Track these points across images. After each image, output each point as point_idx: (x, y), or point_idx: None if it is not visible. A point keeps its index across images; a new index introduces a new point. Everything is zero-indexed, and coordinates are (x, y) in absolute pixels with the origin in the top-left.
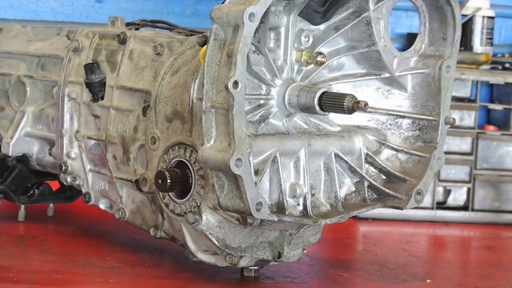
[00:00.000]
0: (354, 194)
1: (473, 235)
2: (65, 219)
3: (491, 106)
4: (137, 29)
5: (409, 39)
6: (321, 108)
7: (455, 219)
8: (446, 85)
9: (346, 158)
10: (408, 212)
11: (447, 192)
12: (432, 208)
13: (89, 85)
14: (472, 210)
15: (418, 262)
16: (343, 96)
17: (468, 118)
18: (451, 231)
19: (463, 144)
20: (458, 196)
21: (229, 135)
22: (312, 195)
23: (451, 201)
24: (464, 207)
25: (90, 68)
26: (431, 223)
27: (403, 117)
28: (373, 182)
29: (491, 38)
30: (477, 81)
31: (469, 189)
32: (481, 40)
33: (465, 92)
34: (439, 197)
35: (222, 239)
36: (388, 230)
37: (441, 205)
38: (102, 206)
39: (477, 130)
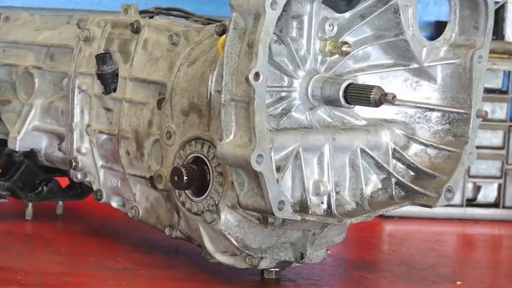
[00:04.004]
0: (380, 192)
1: (504, 233)
2: (75, 218)
3: None
4: (151, 17)
5: (437, 27)
6: (346, 101)
7: (485, 217)
8: (478, 76)
9: (372, 154)
10: (436, 210)
11: (477, 189)
12: (461, 205)
13: (101, 76)
14: (503, 207)
15: (447, 262)
16: (369, 88)
17: (500, 110)
18: (481, 230)
19: (494, 138)
20: (489, 192)
21: (249, 129)
22: (337, 192)
23: (481, 198)
24: (495, 204)
25: (102, 58)
26: (460, 221)
27: (433, 110)
28: (400, 178)
29: None
30: (509, 72)
31: (500, 185)
32: None
33: (496, 83)
34: (469, 194)
35: (241, 239)
36: (415, 229)
37: (471, 202)
38: (114, 204)
39: (509, 123)
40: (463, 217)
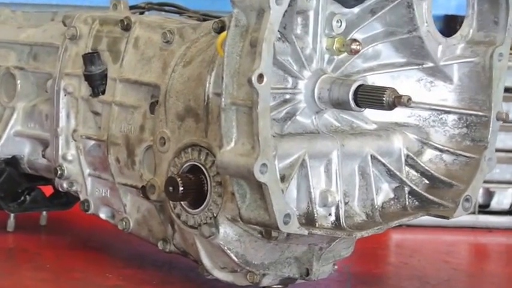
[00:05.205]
0: (392, 202)
1: None
2: (60, 230)
3: None
4: (142, 13)
5: (447, 22)
6: (357, 104)
7: (499, 225)
8: (498, 75)
9: (383, 161)
10: None
11: (490, 195)
12: (474, 212)
13: (88, 78)
14: None
15: (462, 277)
16: (382, 90)
17: None
18: (495, 239)
19: (509, 140)
20: (503, 199)
21: (252, 136)
22: (346, 203)
23: (494, 204)
24: (510, 212)
25: (90, 58)
26: (472, 229)
27: (449, 112)
28: (414, 187)
29: None
30: None
31: None
32: None
33: (511, 81)
34: (481, 200)
35: (242, 254)
36: (425, 238)
37: (483, 209)
38: (102, 216)
39: None
40: (475, 225)
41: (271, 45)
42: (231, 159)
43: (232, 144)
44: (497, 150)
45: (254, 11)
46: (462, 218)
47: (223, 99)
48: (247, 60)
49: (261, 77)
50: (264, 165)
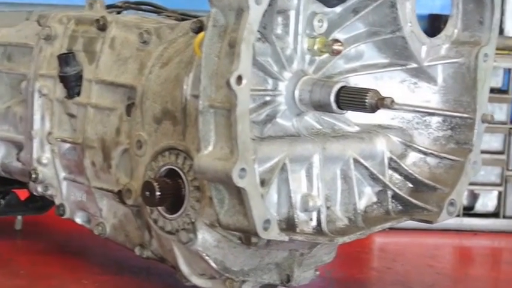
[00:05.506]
0: (375, 206)
1: (504, 246)
2: (36, 234)
3: None
4: (119, 12)
5: (431, 21)
6: (339, 106)
7: (484, 228)
8: (483, 76)
9: (366, 164)
10: None
11: (475, 197)
12: (458, 215)
13: (63, 79)
14: (504, 217)
15: (446, 281)
16: (364, 91)
17: (499, 111)
18: (480, 242)
19: (494, 141)
20: (488, 201)
21: (231, 140)
22: (327, 208)
23: (479, 207)
24: (495, 214)
25: (65, 59)
26: (457, 232)
27: (433, 114)
28: (397, 191)
29: None
30: (509, 69)
31: (500, 193)
32: None
33: (496, 81)
34: (466, 202)
35: (221, 261)
36: (408, 241)
37: (468, 211)
38: (78, 220)
39: (509, 125)
40: (459, 228)
41: (250, 46)
42: (209, 163)
43: (210, 148)
44: (482, 152)
45: (233, 10)
46: (447, 220)
47: (201, 102)
48: (225, 61)
49: (239, 78)
50: (242, 169)
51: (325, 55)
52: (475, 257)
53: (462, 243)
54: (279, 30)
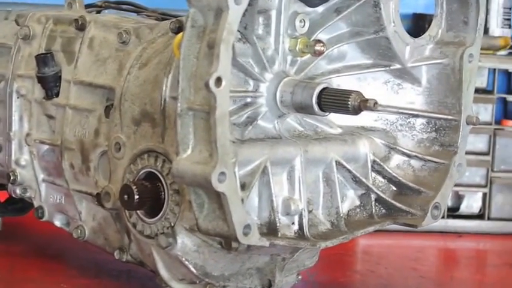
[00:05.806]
0: (358, 209)
1: (490, 248)
2: (14, 237)
3: (511, 98)
4: (98, 12)
5: (415, 20)
6: (321, 108)
7: (469, 230)
8: (468, 77)
9: (349, 167)
10: None
11: (460, 198)
12: (442, 217)
13: (42, 80)
14: (489, 219)
15: (430, 285)
16: (347, 93)
17: (484, 112)
18: (465, 244)
19: (478, 142)
20: (473, 202)
21: (210, 143)
22: (309, 211)
23: (464, 208)
24: (480, 216)
25: (43, 59)
26: (441, 234)
27: (417, 116)
28: (381, 194)
29: (509, 19)
30: (494, 69)
31: (485, 194)
32: (497, 21)
33: (480, 81)
34: (451, 204)
35: (201, 265)
36: (392, 243)
37: (453, 213)
38: (57, 223)
39: (494, 126)
40: (444, 229)
41: (229, 47)
42: (187, 167)
43: (189, 151)
44: (467, 153)
45: (212, 10)
46: None
47: (179, 104)
48: (204, 62)
49: (219, 80)
50: (222, 173)
51: (307, 56)
52: (459, 260)
53: (447, 245)
54: (260, 31)
